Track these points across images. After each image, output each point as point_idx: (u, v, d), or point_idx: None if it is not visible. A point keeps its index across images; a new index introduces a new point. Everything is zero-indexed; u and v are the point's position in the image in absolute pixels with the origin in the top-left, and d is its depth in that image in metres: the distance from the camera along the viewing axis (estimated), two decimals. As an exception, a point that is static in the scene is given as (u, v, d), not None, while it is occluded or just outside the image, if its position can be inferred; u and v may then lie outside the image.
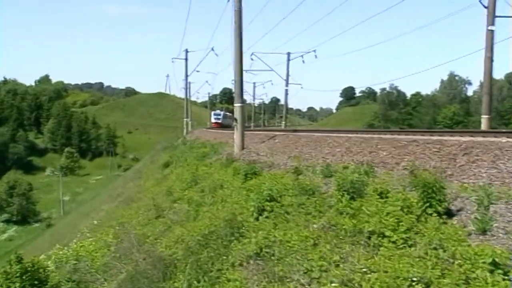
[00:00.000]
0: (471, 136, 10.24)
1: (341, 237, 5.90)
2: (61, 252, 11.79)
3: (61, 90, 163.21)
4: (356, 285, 4.70)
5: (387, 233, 5.50)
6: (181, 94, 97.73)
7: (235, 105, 17.70)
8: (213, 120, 71.13)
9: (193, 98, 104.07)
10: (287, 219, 7.29)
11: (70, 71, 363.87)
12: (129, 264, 8.49)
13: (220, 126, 64.35)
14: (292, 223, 7.00)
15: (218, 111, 77.05)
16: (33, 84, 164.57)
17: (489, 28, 17.77)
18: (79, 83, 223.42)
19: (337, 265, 5.24)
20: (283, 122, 49.45)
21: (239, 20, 16.95)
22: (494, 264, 4.28)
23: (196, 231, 8.53)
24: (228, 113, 78.93)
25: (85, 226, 21.20)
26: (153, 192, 18.15)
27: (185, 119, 57.04)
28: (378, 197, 6.56)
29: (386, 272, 4.64)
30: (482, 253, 4.39)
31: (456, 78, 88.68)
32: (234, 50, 17.28)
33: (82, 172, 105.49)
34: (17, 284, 8.68)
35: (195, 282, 6.46)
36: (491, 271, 4.24)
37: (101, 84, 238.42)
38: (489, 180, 6.51)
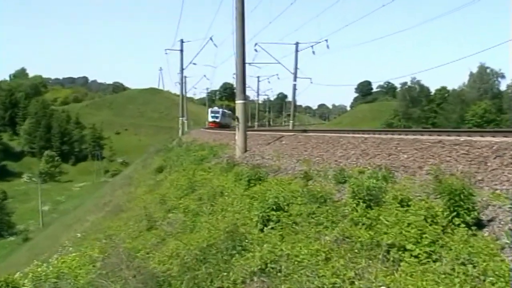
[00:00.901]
0: (505, 136, 10.22)
1: (356, 250, 5.91)
2: (39, 269, 11.81)
3: (40, 86, 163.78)
4: (373, 305, 4.70)
5: (409, 247, 5.50)
6: (176, 90, 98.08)
7: (236, 102, 17.72)
8: (210, 119, 70.46)
9: (189, 95, 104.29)
10: (296, 230, 7.30)
11: (49, 64, 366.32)
12: (118, 282, 8.50)
13: (219, 126, 64.17)
14: (301, 235, 7.00)
15: (216, 109, 76.35)
16: (7, 78, 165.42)
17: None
18: (60, 77, 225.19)
19: (352, 283, 5.25)
20: (291, 121, 49.39)
21: (241, 6, 16.99)
22: (530, 281, 4.27)
23: (193, 244, 8.54)
24: (227, 111, 78.77)
25: (67, 239, 21.27)
26: (145, 200, 18.18)
27: (180, 118, 57.10)
28: (398, 205, 6.56)
29: (408, 290, 4.63)
30: (517, 269, 4.38)
31: (488, 70, 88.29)
32: (235, 40, 17.32)
33: (64, 179, 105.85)
34: (-12, 306, 8.66)
35: (192, 301, 6.47)
36: (527, 289, 4.23)
37: (85, 78, 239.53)
38: (525, 186, 6.49)
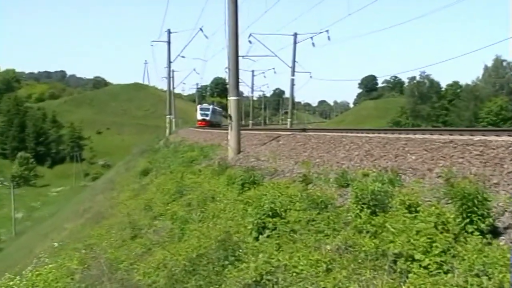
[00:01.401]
0: (522, 135, 10.26)
1: (360, 261, 5.91)
2: (11, 283, 11.77)
3: (12, 81, 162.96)
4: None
5: (417, 256, 5.51)
6: (162, 85, 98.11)
7: (229, 98, 17.72)
8: (199, 117, 69.53)
9: (177, 90, 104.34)
10: (294, 239, 7.30)
11: (23, 57, 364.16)
12: (99, 296, 8.48)
13: (209, 124, 63.89)
14: (299, 244, 7.01)
15: (205, 105, 75.39)
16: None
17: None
18: (35, 71, 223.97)
19: (356, 296, 5.25)
20: (289, 120, 49.34)
21: (233, -6, 17.01)
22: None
23: (181, 254, 8.52)
24: (218, 108, 78.48)
25: (43, 249, 21.17)
26: (129, 206, 18.14)
27: (167, 116, 57.10)
28: (405, 211, 6.57)
29: (416, 304, 4.64)
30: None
31: (504, 63, 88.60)
32: (228, 30, 17.32)
33: (40, 183, 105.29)
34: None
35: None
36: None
37: (63, 73, 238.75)
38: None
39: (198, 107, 74.42)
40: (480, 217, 5.85)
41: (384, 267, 5.58)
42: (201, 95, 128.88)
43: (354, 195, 7.33)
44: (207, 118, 68.17)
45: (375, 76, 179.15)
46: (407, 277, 5.32)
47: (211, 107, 73.86)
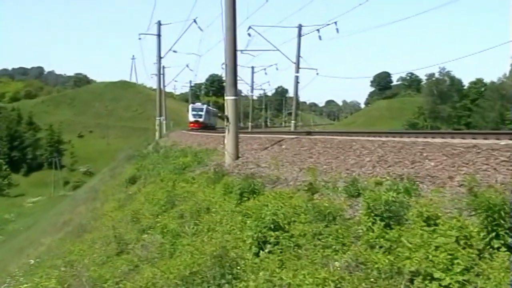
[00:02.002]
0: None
1: (372, 279, 5.90)
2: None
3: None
4: None
5: (437, 275, 5.50)
6: (152, 83, 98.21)
7: (226, 97, 17.74)
8: (191, 118, 69.29)
9: (168, 89, 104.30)
10: (298, 254, 7.29)
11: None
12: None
13: (202, 127, 63.56)
14: (305, 260, 7.00)
15: (198, 105, 75.30)
16: None
17: None
18: (9, 68, 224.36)
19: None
20: (293, 121, 49.56)
21: (231, -19, 17.05)
22: None
23: (172, 272, 8.50)
24: (212, 108, 78.31)
25: (17, 267, 21.12)
26: (114, 218, 18.11)
27: (157, 118, 57.07)
28: (423, 224, 6.56)
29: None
30: None
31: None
32: (225, 22, 17.34)
33: (14, 192, 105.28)
34: None
35: None
36: None
37: (40, 69, 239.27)
38: None
39: (190, 107, 74.08)
40: (507, 231, 5.84)
41: (400, 287, 5.58)
42: (195, 94, 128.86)
43: (366, 206, 7.33)
44: (201, 119, 67.96)
45: (389, 73, 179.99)
46: (426, 298, 5.32)
47: (204, 106, 73.60)
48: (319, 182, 11.00)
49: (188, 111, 73.95)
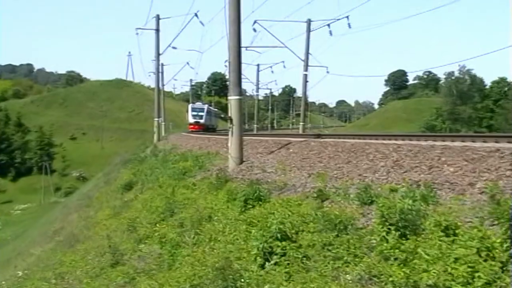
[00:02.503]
0: None
1: (387, 293, 5.90)
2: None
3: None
4: None
5: (457, 289, 5.50)
6: (150, 82, 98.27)
7: (229, 98, 17.76)
8: (190, 120, 68.68)
9: (167, 88, 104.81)
10: (307, 267, 7.29)
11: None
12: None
13: (203, 128, 63.00)
14: (314, 273, 7.00)
15: (199, 104, 74.80)
16: None
17: None
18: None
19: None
20: (301, 123, 49.40)
21: (235, -27, 17.10)
22: None
23: (172, 285, 8.52)
24: (213, 109, 77.87)
25: (4, 279, 21.17)
26: (109, 227, 18.15)
27: (156, 119, 57.09)
28: (442, 234, 6.56)
29: None
30: None
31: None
32: (228, 16, 17.38)
33: (1, 198, 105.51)
34: None
35: None
36: None
37: (30, 67, 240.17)
38: None
39: (190, 106, 73.45)
40: (532, 242, 5.83)
41: (416, 302, 5.57)
42: (196, 93, 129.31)
43: (380, 215, 7.32)
44: (202, 120, 67.58)
45: (404, 72, 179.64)
46: (444, 314, 5.31)
47: (206, 106, 73.10)
48: (329, 188, 11.00)
49: (187, 111, 73.21)
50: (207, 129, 64.09)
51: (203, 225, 11.78)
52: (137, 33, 56.70)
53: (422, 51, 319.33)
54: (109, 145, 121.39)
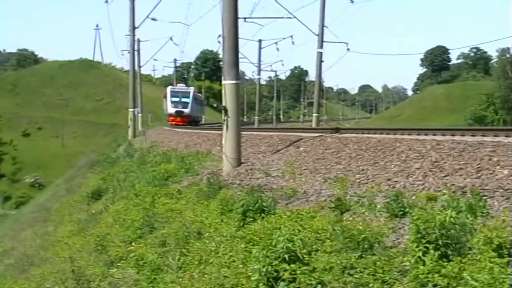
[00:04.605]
0: None
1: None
2: None
3: None
4: None
5: (511, 323, 5.51)
6: (123, 63, 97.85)
7: (224, 82, 17.75)
8: (170, 109, 64.82)
9: (146, 71, 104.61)
10: (323, 296, 7.30)
11: None
12: None
13: (189, 121, 61.43)
14: (331, 304, 7.01)
15: (182, 88, 70.62)
16: None
17: None
18: None
19: None
20: (315, 115, 49.28)
21: None
22: None
23: (151, 319, 8.55)
24: (200, 95, 74.85)
25: None
26: (72, 246, 18.19)
27: (130, 110, 57.01)
28: (493, 254, 6.56)
29: None
30: None
31: None
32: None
33: None
34: None
35: None
36: None
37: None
38: None
39: (169, 90, 69.67)
40: None
41: None
42: (182, 77, 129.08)
43: (415, 230, 7.32)
44: (186, 110, 64.90)
45: (446, 48, 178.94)
46: None
47: (192, 90, 69.61)
48: (351, 196, 11.00)
49: (165, 97, 69.77)
50: (193, 121, 62.96)
51: (191, 243, 11.79)
52: (106, 1, 56.71)
53: (467, 23, 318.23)
54: (72, 143, 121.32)
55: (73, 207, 28.49)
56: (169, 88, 70.73)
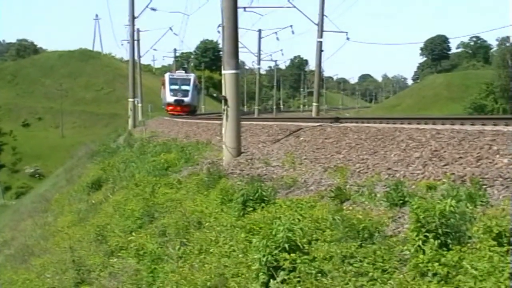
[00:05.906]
0: None
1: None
2: None
3: None
4: None
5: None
6: (122, 53, 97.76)
7: (224, 72, 17.72)
8: (168, 98, 63.35)
9: (145, 61, 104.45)
10: (323, 285, 7.31)
11: None
12: None
13: (188, 111, 60.60)
14: (331, 294, 7.01)
15: (181, 74, 68.35)
16: None
17: None
18: None
19: None
20: (315, 104, 49.24)
21: None
22: None
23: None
24: (198, 84, 72.23)
25: None
26: (72, 236, 18.20)
27: (130, 100, 56.97)
28: (493, 243, 6.55)
29: None
30: None
31: None
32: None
33: None
34: None
35: None
36: None
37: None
38: None
39: (167, 77, 67.91)
40: None
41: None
42: (182, 66, 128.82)
43: (414, 219, 7.31)
44: (187, 99, 63.73)
45: (446, 37, 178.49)
46: None
47: (192, 77, 67.71)
48: (351, 186, 11.00)
49: (163, 85, 68.14)
50: (192, 110, 61.91)
51: (191, 233, 11.80)
52: (106, -9, 56.55)
53: (468, 12, 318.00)
54: (71, 133, 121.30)
55: (73, 197, 28.51)
56: (167, 75, 69.02)
